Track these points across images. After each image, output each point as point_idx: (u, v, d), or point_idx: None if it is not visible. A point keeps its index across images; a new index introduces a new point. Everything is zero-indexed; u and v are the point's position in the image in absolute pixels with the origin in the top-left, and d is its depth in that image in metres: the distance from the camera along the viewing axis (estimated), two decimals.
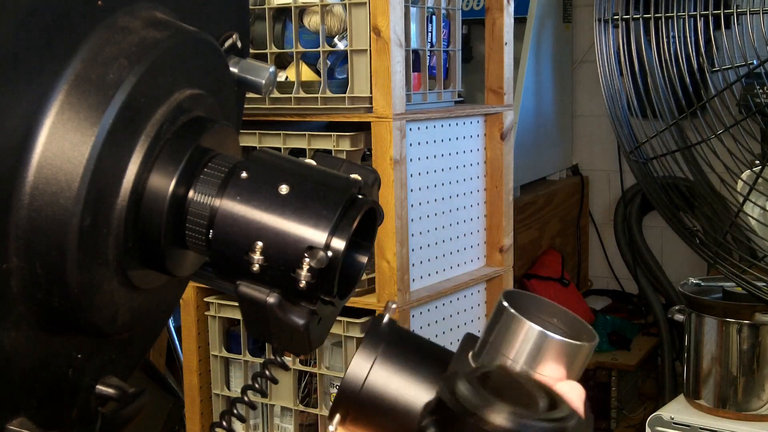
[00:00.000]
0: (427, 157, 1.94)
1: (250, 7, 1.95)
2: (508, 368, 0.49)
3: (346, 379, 0.54)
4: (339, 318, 1.91)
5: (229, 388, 2.13)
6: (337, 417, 0.54)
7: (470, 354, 0.52)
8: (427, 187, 1.95)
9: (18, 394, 0.55)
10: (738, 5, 1.94)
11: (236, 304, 0.74)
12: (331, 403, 1.97)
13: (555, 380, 0.50)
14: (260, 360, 2.04)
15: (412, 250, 1.90)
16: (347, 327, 1.84)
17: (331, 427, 0.54)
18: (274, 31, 1.95)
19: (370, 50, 1.80)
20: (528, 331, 0.50)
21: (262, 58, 1.95)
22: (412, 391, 0.53)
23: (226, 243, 0.56)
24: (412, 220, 1.90)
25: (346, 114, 1.87)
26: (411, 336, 0.57)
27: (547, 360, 0.50)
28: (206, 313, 2.11)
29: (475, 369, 0.50)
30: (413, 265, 1.90)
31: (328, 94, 1.88)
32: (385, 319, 0.56)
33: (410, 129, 1.87)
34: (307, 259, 0.54)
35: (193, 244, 0.58)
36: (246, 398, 0.65)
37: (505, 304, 0.51)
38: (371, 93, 1.81)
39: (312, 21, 1.90)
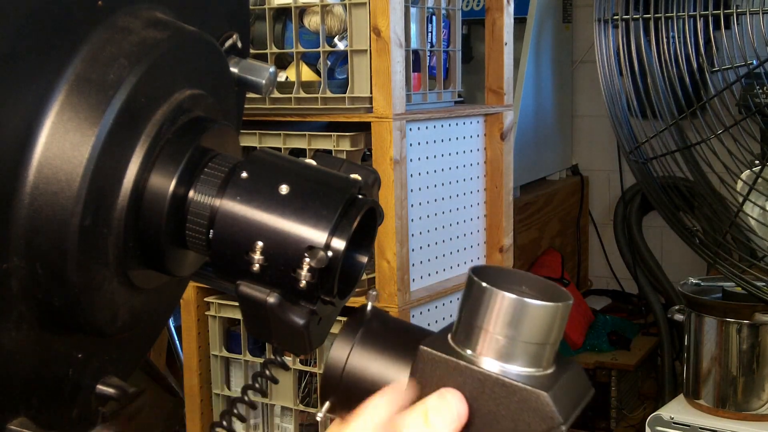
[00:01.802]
0: (427, 157, 1.94)
1: (250, 7, 1.95)
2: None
3: (326, 367, 0.54)
4: (339, 318, 1.90)
5: (229, 388, 2.13)
6: (327, 405, 0.54)
7: (448, 336, 0.52)
8: (427, 187, 1.95)
9: (18, 394, 0.55)
10: (738, 5, 1.94)
11: (236, 304, 0.74)
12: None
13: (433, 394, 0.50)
14: (260, 360, 2.04)
15: (412, 250, 1.90)
16: None
17: (319, 415, 0.54)
18: (274, 31, 1.95)
19: (370, 50, 1.80)
20: (502, 300, 0.50)
21: (262, 58, 1.95)
22: (393, 372, 0.53)
23: (226, 243, 0.56)
24: (412, 220, 1.90)
25: (346, 114, 1.87)
26: (391, 320, 0.56)
27: (526, 325, 0.50)
28: (206, 313, 2.11)
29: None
30: (413, 265, 1.90)
31: (328, 94, 1.88)
32: (369, 307, 0.56)
33: (410, 129, 1.87)
34: (307, 259, 0.54)
35: (193, 244, 0.58)
36: (246, 398, 0.65)
37: (475, 278, 0.51)
38: (371, 93, 1.81)
39: (312, 21, 1.90)
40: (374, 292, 0.57)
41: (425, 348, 0.51)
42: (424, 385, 0.51)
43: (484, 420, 0.50)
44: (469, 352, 0.51)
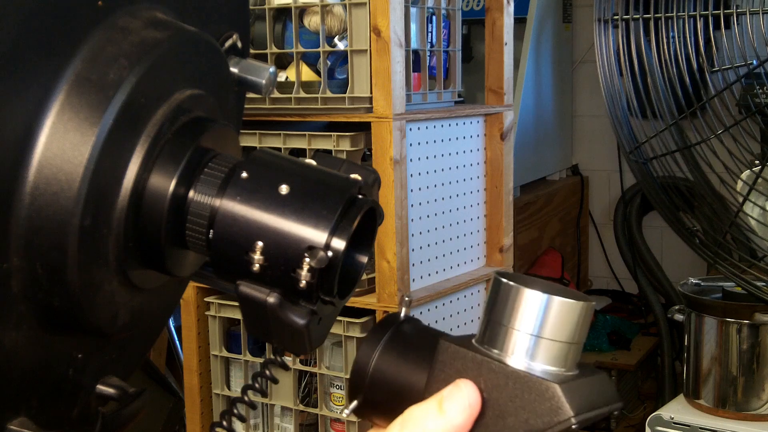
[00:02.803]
0: (427, 157, 1.94)
1: (250, 7, 1.95)
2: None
3: (354, 366, 0.55)
4: (339, 318, 1.91)
5: (229, 388, 2.13)
6: (354, 403, 0.55)
7: (473, 340, 0.53)
8: (427, 187, 1.95)
9: (18, 394, 0.55)
10: (738, 5, 1.94)
11: (236, 304, 0.74)
12: (340, 398, 1.96)
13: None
14: (260, 360, 2.04)
15: (412, 250, 1.90)
16: (347, 327, 1.84)
17: (345, 412, 0.55)
18: (274, 31, 1.95)
19: (370, 50, 1.80)
20: (530, 298, 0.51)
21: (263, 58, 1.95)
22: (418, 376, 0.54)
23: (226, 243, 0.56)
24: (412, 220, 1.90)
25: (346, 114, 1.87)
26: (423, 326, 0.57)
27: (553, 323, 0.51)
28: (206, 313, 2.11)
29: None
30: (413, 265, 1.90)
31: (329, 94, 1.88)
32: (402, 313, 0.56)
33: (410, 129, 1.87)
34: (307, 259, 0.54)
35: (193, 244, 0.58)
36: (246, 398, 0.65)
37: (503, 279, 0.52)
38: (371, 93, 1.82)
39: (312, 21, 1.90)
40: (407, 298, 0.58)
41: (444, 341, 0.52)
42: (443, 379, 0.52)
43: (497, 411, 0.50)
44: (495, 351, 0.51)
